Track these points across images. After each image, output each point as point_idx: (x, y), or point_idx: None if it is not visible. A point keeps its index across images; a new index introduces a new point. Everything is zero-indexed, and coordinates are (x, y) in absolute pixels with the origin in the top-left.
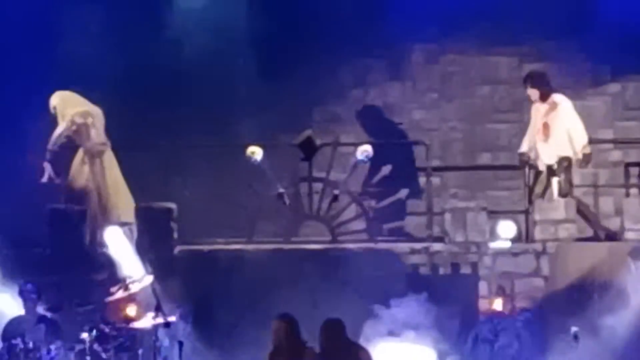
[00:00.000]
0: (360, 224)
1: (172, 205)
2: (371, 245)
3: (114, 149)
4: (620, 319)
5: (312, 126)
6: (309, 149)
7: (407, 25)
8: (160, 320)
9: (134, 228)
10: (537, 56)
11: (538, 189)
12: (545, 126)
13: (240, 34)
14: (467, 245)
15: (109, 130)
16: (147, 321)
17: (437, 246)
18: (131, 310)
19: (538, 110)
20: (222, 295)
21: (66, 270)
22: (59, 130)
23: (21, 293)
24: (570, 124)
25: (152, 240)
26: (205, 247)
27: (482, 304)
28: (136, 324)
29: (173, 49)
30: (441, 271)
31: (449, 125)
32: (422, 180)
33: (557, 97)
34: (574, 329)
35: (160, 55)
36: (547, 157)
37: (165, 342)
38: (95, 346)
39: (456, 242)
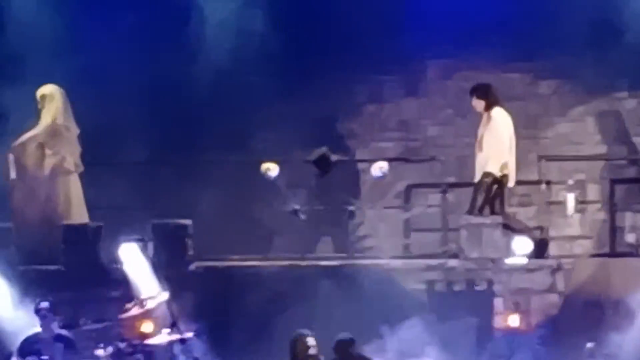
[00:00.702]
0: (375, 241)
1: (188, 222)
2: (386, 261)
3: (133, 164)
4: (636, 334)
5: (327, 142)
6: (324, 165)
7: (422, 42)
8: (175, 336)
9: (150, 244)
10: (552, 72)
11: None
12: (481, 138)
13: (256, 51)
14: (482, 261)
15: (113, 148)
16: (162, 338)
17: (452, 262)
18: (147, 326)
19: (482, 121)
20: (238, 312)
21: (81, 287)
22: (37, 131)
23: (37, 311)
24: (498, 139)
25: (167, 257)
26: (221, 264)
27: (498, 320)
28: (152, 341)
29: (190, 66)
30: (456, 287)
31: (464, 141)
32: (437, 196)
33: (494, 111)
34: (589, 345)
35: (177, 72)
36: (478, 171)
37: (181, 358)
38: None
39: (471, 259)
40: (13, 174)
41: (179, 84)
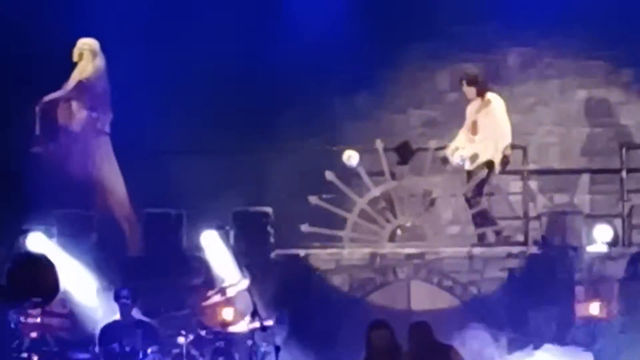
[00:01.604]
0: (456, 228)
1: (269, 209)
2: (467, 249)
3: (214, 152)
4: None
5: (409, 131)
6: (405, 153)
7: (504, 29)
8: (256, 324)
9: (231, 232)
10: (634, 60)
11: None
12: (474, 124)
13: (338, 40)
14: (564, 249)
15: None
16: (243, 325)
17: (533, 250)
18: (228, 314)
19: (472, 107)
20: (318, 300)
21: (162, 275)
22: (68, 86)
23: (117, 298)
24: (498, 123)
25: (248, 244)
26: (302, 251)
27: (579, 309)
28: (232, 328)
29: (272, 54)
30: (538, 275)
31: (546, 129)
32: (518, 184)
33: (490, 96)
34: None
35: (259, 59)
36: (470, 154)
37: (262, 346)
38: (192, 350)
39: (553, 246)
40: (37, 130)
41: (262, 72)
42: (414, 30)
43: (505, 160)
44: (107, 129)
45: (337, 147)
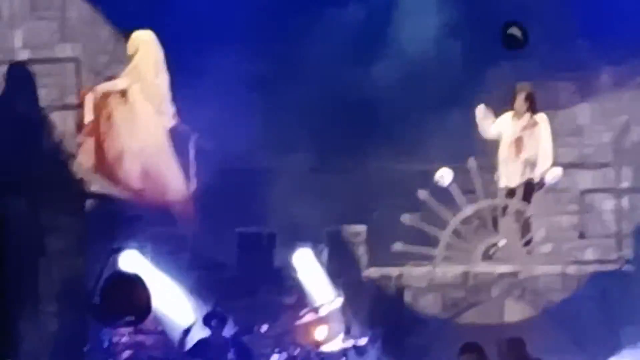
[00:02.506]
0: (550, 247)
1: (362, 228)
2: (561, 267)
3: (308, 172)
4: None
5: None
6: (513, 42)
7: (596, 48)
8: (349, 343)
9: (324, 251)
10: None
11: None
12: (519, 141)
13: (430, 57)
14: None
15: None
16: (336, 344)
17: (627, 268)
18: (321, 333)
19: (514, 124)
20: (412, 318)
21: (255, 293)
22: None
23: (210, 316)
24: (543, 145)
25: (341, 263)
26: (395, 270)
27: None
28: (325, 347)
29: (363, 72)
30: (631, 293)
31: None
32: (611, 202)
33: (540, 116)
34: None
35: (350, 77)
36: (512, 174)
37: None
38: None
39: None
40: (88, 117)
41: (353, 90)
42: (504, 49)
43: (540, 183)
44: (170, 122)
45: (430, 165)
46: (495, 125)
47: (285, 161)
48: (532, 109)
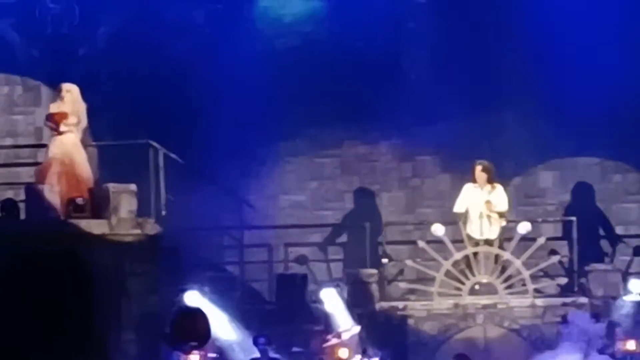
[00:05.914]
0: (521, 284)
1: (374, 271)
2: (531, 299)
3: (323, 224)
4: None
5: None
6: None
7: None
8: None
9: (344, 288)
10: None
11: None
12: (489, 203)
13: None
14: (605, 298)
15: None
16: None
17: (582, 300)
18: (343, 353)
19: (482, 192)
20: (415, 340)
21: (291, 323)
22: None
23: (257, 341)
24: (505, 202)
25: (358, 298)
26: (400, 304)
27: (619, 345)
28: None
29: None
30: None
31: None
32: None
33: (497, 185)
34: None
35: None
36: (489, 228)
37: None
38: None
39: (597, 297)
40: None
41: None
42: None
43: (513, 235)
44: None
45: (427, 222)
46: (461, 201)
47: (309, 217)
48: (491, 179)
